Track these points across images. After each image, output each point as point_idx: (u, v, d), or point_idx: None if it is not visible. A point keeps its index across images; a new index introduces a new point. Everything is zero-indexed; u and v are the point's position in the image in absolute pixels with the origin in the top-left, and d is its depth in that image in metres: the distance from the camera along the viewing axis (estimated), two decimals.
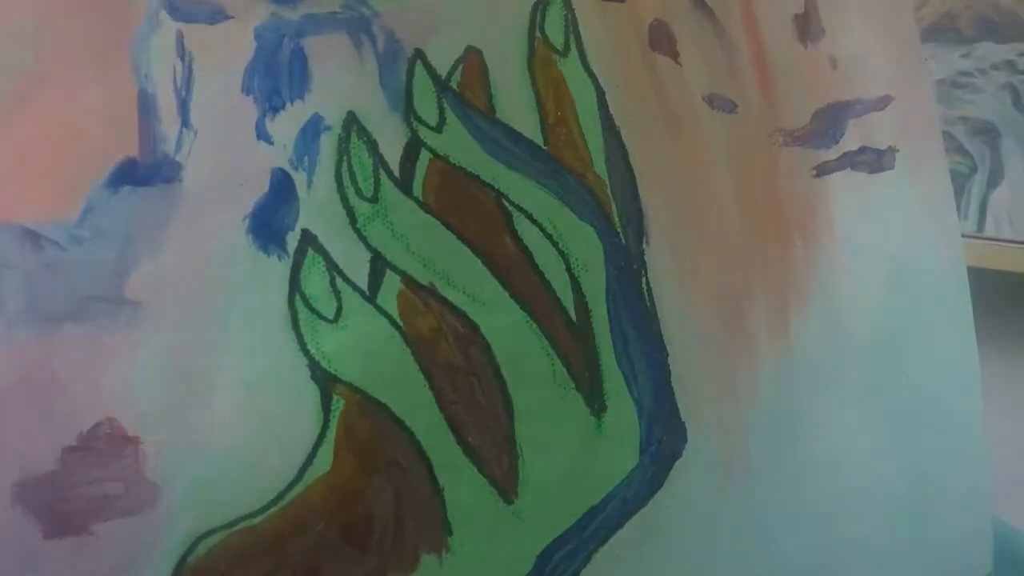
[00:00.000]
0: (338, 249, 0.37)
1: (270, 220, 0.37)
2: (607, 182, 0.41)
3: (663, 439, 0.39)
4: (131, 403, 0.34)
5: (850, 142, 0.45)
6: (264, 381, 0.36)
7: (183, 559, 0.34)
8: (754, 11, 0.44)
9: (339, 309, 0.37)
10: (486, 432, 0.37)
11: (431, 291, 0.38)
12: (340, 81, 0.39)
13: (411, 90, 0.40)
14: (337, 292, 0.37)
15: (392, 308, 0.37)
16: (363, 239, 0.38)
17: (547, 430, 0.38)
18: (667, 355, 0.40)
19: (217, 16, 0.38)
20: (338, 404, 0.36)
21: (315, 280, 0.37)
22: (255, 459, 0.35)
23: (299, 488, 0.35)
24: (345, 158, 0.38)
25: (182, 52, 0.38)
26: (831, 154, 0.45)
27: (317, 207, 0.38)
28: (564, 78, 0.41)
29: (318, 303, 0.37)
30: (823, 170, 0.44)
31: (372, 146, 0.39)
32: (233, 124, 0.38)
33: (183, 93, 0.37)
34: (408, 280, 0.38)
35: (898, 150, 0.45)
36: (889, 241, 0.45)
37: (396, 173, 0.39)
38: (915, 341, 0.44)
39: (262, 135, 0.38)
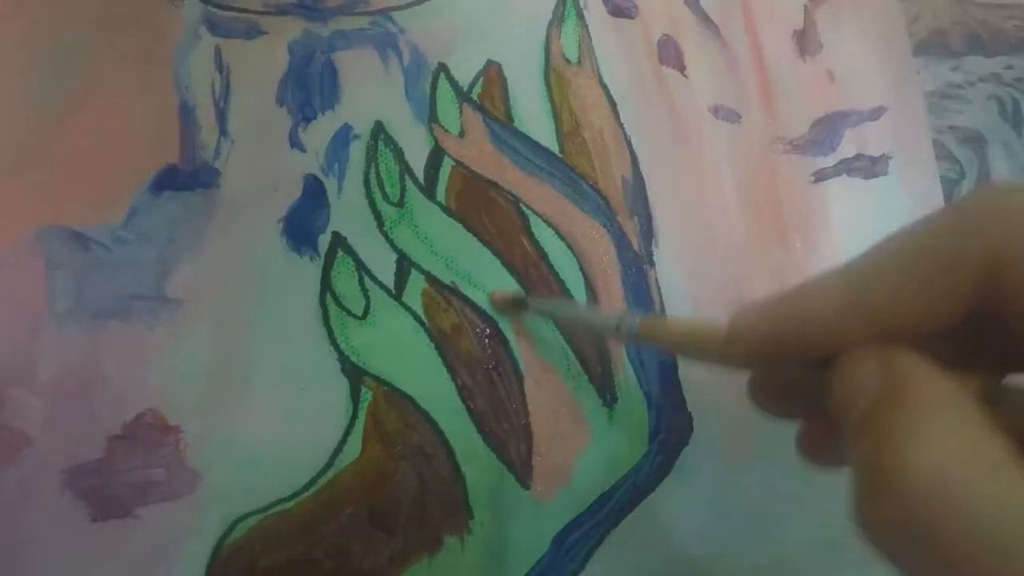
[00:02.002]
0: (366, 250, 0.37)
1: (303, 223, 0.37)
2: (619, 187, 0.40)
3: (671, 428, 0.38)
4: (172, 394, 0.34)
5: (846, 150, 0.44)
6: (297, 374, 0.35)
7: (221, 540, 0.33)
8: (756, 27, 0.44)
9: (367, 306, 0.37)
10: (505, 422, 0.37)
11: (453, 289, 0.37)
12: (368, 93, 0.39)
13: (435, 101, 0.39)
14: (365, 290, 0.37)
15: (417, 305, 0.37)
16: (390, 241, 0.37)
17: (562, 419, 0.37)
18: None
19: (253, 32, 0.38)
20: (366, 395, 0.36)
21: (345, 279, 0.37)
22: (289, 447, 0.35)
23: (330, 474, 0.35)
24: (373, 165, 0.38)
25: (220, 66, 0.37)
26: (828, 161, 0.44)
27: (347, 211, 0.37)
28: (578, 90, 0.41)
29: (347, 301, 0.36)
30: (821, 176, 0.44)
31: (398, 154, 0.38)
32: (268, 133, 0.37)
33: (221, 104, 0.37)
34: (432, 279, 0.37)
35: (891, 157, 0.45)
36: None
37: (420, 179, 0.38)
38: None
39: (295, 143, 0.37)
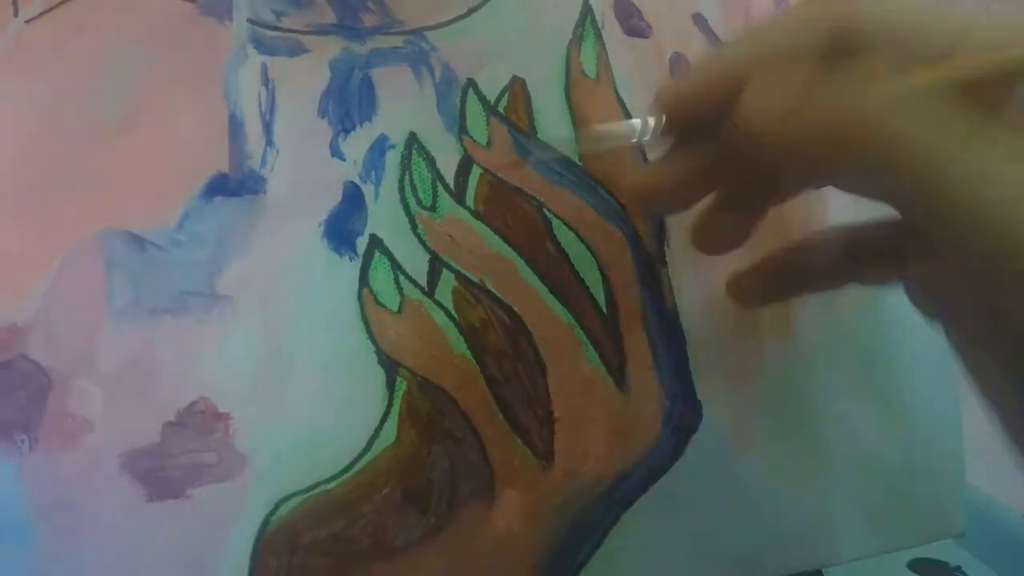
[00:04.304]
0: (401, 251, 0.37)
1: (342, 226, 0.36)
2: None
3: (682, 415, 0.38)
4: (222, 384, 0.34)
5: None
6: (337, 365, 0.35)
7: (267, 519, 0.33)
8: None
9: (401, 303, 0.36)
10: (528, 409, 0.36)
11: (481, 287, 0.37)
12: (403, 106, 0.38)
13: (464, 113, 0.39)
14: (400, 288, 0.36)
15: (448, 302, 0.36)
16: (422, 242, 0.37)
17: (581, 407, 0.37)
18: (686, 342, 0.38)
19: (296, 50, 0.38)
20: (401, 385, 0.35)
21: (381, 278, 0.36)
22: (330, 432, 0.34)
23: (368, 457, 0.34)
24: (407, 172, 0.38)
25: (266, 81, 0.37)
26: None
27: (383, 215, 0.37)
28: (596, 103, 0.40)
29: (383, 297, 0.36)
30: None
31: (430, 162, 0.38)
32: (310, 143, 0.37)
33: (267, 116, 0.37)
34: (461, 278, 0.37)
35: None
36: None
37: (451, 185, 0.38)
38: (900, 331, 0.42)
39: (335, 152, 0.37)
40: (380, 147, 0.38)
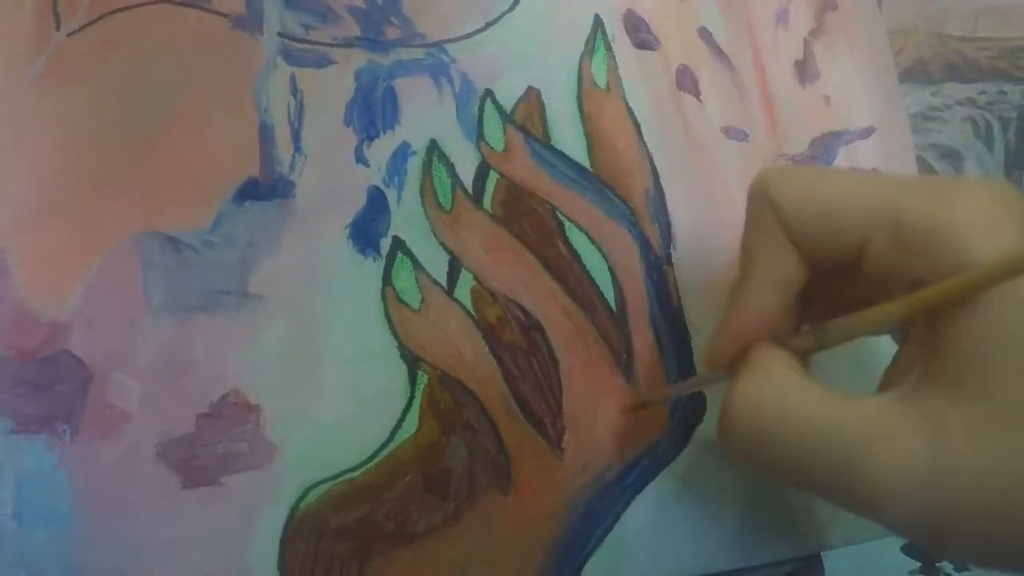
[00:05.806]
0: (422, 252, 0.36)
1: (367, 228, 0.36)
2: (642, 197, 0.39)
3: (687, 408, 0.37)
4: (253, 377, 0.34)
5: (841, 165, 0.42)
6: (362, 359, 0.35)
7: (296, 505, 0.33)
8: (762, 58, 0.42)
9: (423, 301, 0.36)
10: (542, 401, 0.36)
11: (498, 287, 0.37)
12: (424, 115, 0.38)
13: (482, 122, 0.39)
14: (421, 287, 0.36)
15: (466, 300, 0.36)
16: (442, 244, 0.37)
17: (592, 400, 0.36)
18: (690, 338, 0.38)
19: (324, 62, 0.38)
20: (422, 378, 0.35)
21: (403, 277, 0.36)
22: (355, 423, 0.34)
23: (391, 447, 0.34)
24: (428, 177, 0.37)
25: (295, 91, 0.37)
26: None
27: (405, 217, 0.37)
28: (607, 112, 0.40)
29: (406, 296, 0.36)
30: None
31: (450, 168, 0.38)
32: (337, 150, 0.37)
33: (296, 125, 0.37)
34: (479, 277, 0.37)
35: (880, 171, 0.43)
36: None
37: (470, 190, 0.38)
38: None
39: (360, 159, 0.37)
40: (403, 153, 0.37)
